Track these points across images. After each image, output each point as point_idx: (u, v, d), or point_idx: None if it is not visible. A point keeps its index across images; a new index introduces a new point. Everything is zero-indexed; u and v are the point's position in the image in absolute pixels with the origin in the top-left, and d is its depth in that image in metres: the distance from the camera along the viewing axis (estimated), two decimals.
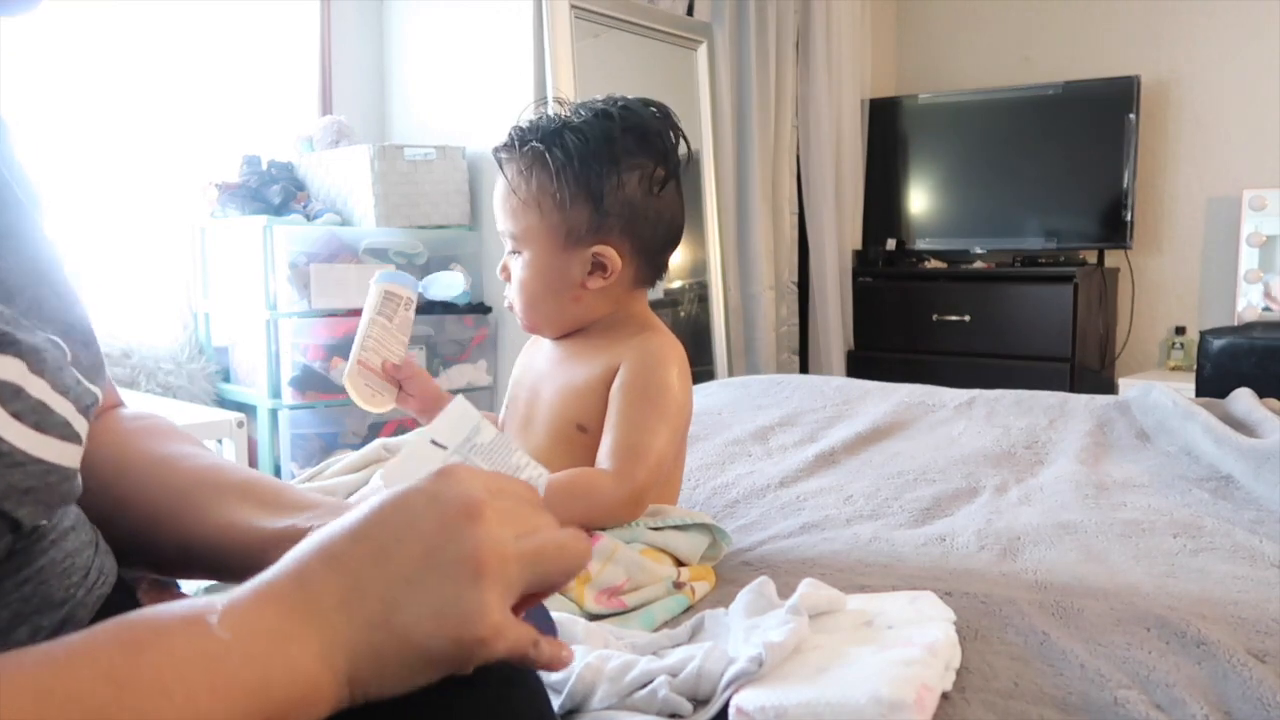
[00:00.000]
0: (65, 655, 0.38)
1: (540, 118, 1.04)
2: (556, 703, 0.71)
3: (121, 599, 0.66)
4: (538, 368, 1.11)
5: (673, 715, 0.69)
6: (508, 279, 1.08)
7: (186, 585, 1.02)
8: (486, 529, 0.46)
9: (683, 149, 1.06)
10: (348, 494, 1.29)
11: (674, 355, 1.05)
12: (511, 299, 1.08)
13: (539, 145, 1.01)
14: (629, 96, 1.05)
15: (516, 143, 1.03)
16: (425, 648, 0.45)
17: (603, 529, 0.98)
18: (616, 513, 0.97)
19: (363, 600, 0.44)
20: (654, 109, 1.04)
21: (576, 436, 1.03)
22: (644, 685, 0.71)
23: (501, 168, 1.05)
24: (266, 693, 0.41)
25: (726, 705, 0.69)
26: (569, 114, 1.03)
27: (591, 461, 1.01)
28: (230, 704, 0.40)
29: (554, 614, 0.82)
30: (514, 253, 1.06)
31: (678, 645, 0.80)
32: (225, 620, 0.41)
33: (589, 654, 0.74)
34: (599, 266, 1.03)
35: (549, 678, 0.73)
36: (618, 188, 1.01)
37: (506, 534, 0.47)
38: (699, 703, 0.70)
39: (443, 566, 0.45)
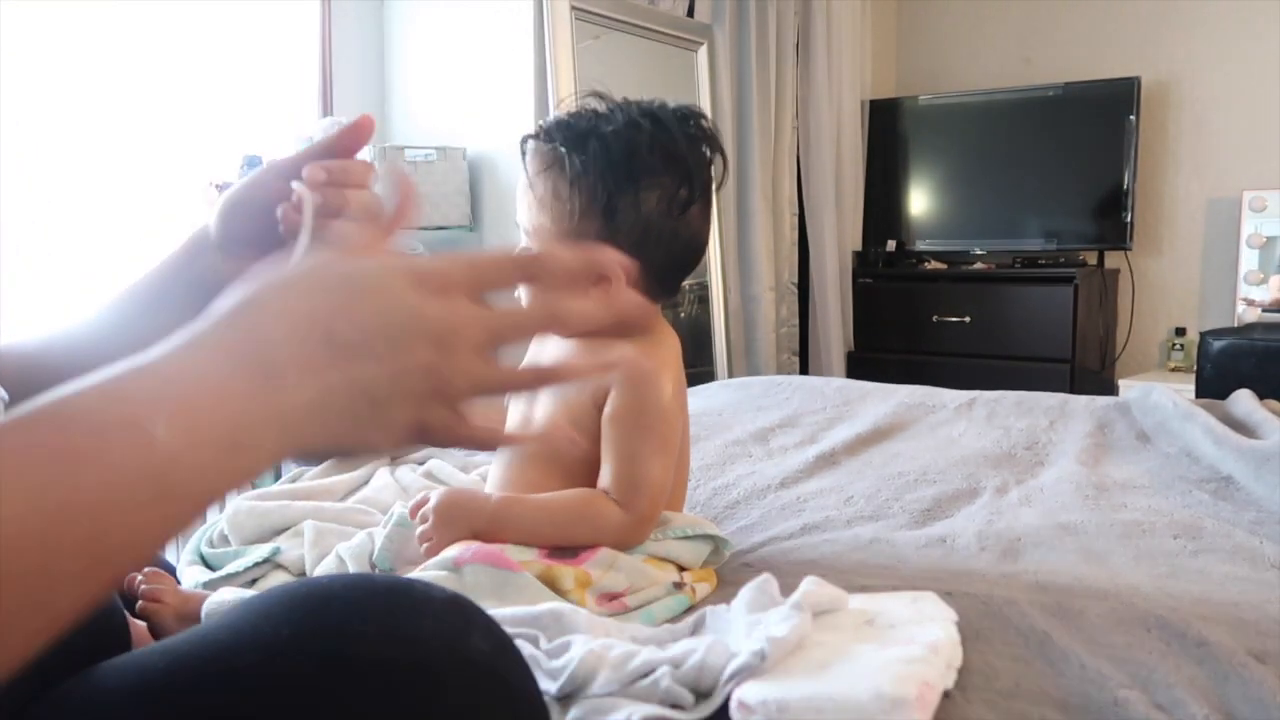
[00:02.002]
0: None
1: (575, 115, 1.00)
2: (555, 685, 0.71)
3: None
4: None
5: (674, 706, 0.69)
6: None
7: (186, 580, 1.02)
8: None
9: (718, 167, 1.01)
10: (346, 493, 1.29)
11: (665, 367, 1.01)
12: (519, 288, 1.06)
13: (562, 149, 0.97)
14: (671, 105, 1.00)
15: (543, 137, 1.00)
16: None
17: None
18: (622, 540, 0.97)
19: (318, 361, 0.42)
20: (692, 124, 0.99)
21: (567, 447, 1.01)
22: (646, 674, 0.71)
23: (524, 158, 1.01)
24: (210, 498, 0.40)
25: (728, 699, 0.69)
26: (605, 114, 0.98)
27: (581, 469, 1.00)
28: (174, 512, 0.39)
29: (555, 603, 0.82)
30: (525, 247, 1.03)
31: (679, 640, 0.80)
32: (172, 424, 0.38)
33: (592, 642, 0.74)
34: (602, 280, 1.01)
35: (550, 662, 0.73)
36: (633, 206, 0.97)
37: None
38: (701, 695, 0.70)
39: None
